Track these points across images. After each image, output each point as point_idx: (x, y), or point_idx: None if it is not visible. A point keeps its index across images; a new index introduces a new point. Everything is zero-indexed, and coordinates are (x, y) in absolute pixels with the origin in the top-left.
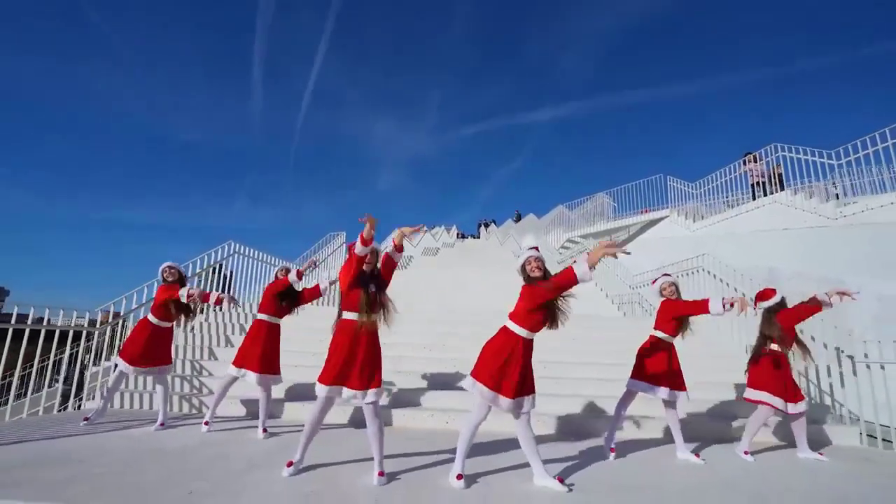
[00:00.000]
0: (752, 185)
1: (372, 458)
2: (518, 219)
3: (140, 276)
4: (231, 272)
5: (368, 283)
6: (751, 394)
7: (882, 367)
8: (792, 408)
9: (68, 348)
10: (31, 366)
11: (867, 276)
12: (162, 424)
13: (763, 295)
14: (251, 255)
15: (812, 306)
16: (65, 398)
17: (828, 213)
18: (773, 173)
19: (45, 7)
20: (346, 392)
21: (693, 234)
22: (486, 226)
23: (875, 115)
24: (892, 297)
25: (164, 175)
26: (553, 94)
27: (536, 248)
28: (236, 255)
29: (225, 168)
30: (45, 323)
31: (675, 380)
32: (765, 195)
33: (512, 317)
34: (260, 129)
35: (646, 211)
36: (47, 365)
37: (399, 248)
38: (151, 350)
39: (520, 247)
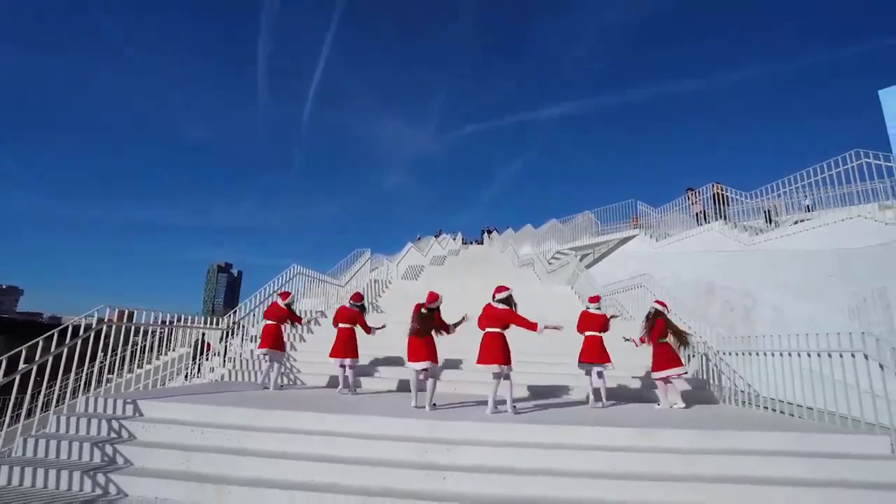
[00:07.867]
0: (697, 214)
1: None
2: None
3: (147, 275)
4: (240, 272)
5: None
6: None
7: (756, 355)
8: (664, 374)
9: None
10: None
11: (768, 292)
12: (281, 387)
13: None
14: (310, 274)
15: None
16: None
17: (744, 240)
18: (717, 193)
19: (59, 16)
20: (418, 364)
21: (656, 252)
22: (489, 233)
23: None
24: (783, 308)
25: (171, 175)
26: (557, 92)
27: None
28: (299, 276)
29: (232, 168)
30: (192, 324)
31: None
32: (706, 221)
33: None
34: (266, 130)
35: (634, 220)
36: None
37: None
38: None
39: (517, 255)
